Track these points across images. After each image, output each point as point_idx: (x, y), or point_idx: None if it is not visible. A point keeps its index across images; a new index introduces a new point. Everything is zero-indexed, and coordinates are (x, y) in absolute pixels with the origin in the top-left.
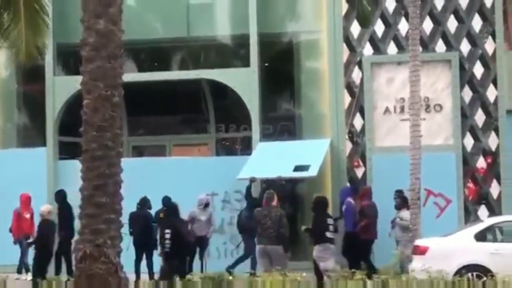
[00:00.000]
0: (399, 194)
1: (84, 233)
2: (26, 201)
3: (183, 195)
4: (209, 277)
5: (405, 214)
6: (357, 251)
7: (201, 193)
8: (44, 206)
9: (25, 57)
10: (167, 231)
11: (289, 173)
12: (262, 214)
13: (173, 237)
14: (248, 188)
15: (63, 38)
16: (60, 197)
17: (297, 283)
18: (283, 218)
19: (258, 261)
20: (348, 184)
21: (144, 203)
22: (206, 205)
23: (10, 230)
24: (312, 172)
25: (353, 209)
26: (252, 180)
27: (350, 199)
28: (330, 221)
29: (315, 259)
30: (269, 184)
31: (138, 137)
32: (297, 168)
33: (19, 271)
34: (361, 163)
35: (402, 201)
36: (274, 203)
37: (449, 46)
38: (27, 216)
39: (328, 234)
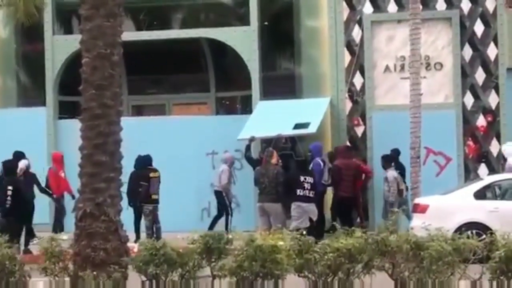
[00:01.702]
0: (383, 156)
1: (84, 191)
2: (59, 159)
3: (183, 153)
4: (209, 235)
5: (390, 174)
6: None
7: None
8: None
9: (23, 16)
10: (9, 187)
11: (289, 130)
12: (260, 172)
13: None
14: (248, 147)
15: None
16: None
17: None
18: (279, 175)
19: (258, 219)
20: (318, 143)
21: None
22: (233, 163)
23: (42, 191)
24: (312, 129)
25: (320, 169)
26: (252, 139)
27: (318, 159)
28: (306, 179)
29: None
30: (268, 143)
31: (137, 96)
32: (297, 126)
33: (55, 231)
34: (361, 122)
35: (385, 162)
36: (274, 160)
37: (449, 4)
38: (62, 174)
39: (299, 192)
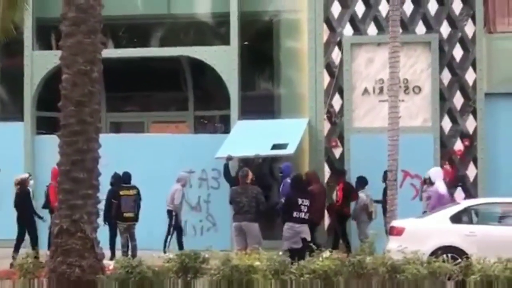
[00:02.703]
0: (358, 177)
1: (61, 208)
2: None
3: (160, 172)
4: (186, 254)
5: (361, 195)
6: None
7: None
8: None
9: (1, 32)
10: None
11: (266, 151)
12: (237, 192)
13: None
14: (226, 166)
15: (43, 12)
16: None
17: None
18: (259, 195)
19: (234, 239)
20: (288, 163)
21: (116, 179)
22: (186, 183)
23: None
24: (290, 150)
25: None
26: (229, 158)
27: (288, 179)
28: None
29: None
30: (246, 163)
31: (116, 113)
32: (275, 147)
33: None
34: (339, 143)
35: (358, 183)
36: (249, 180)
37: (429, 28)
38: None
39: (295, 214)
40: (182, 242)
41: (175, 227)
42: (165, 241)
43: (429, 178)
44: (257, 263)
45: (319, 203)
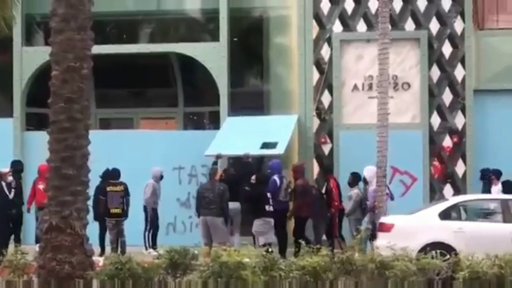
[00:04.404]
0: (352, 173)
1: (50, 204)
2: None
3: (150, 167)
4: (175, 251)
5: (356, 191)
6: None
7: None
8: None
9: None
10: None
11: (256, 150)
12: (205, 188)
13: None
14: (215, 164)
15: (32, 9)
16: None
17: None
18: (226, 192)
19: (201, 234)
20: (277, 160)
21: (107, 175)
22: (160, 177)
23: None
24: (280, 149)
25: (275, 187)
26: (219, 156)
27: (275, 177)
28: (269, 195)
29: (255, 234)
30: (235, 160)
31: (105, 109)
32: (265, 145)
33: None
34: (328, 140)
35: (353, 179)
36: (217, 177)
37: (418, 24)
38: (41, 186)
39: (267, 208)
40: (155, 237)
41: (148, 222)
42: (144, 237)
43: (364, 178)
44: (246, 259)
45: (305, 198)
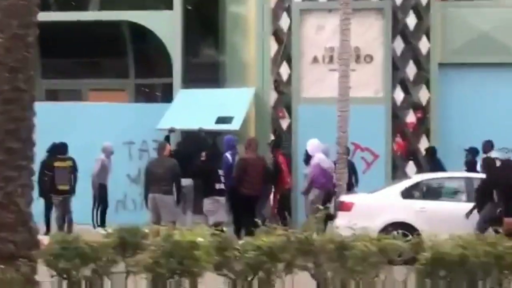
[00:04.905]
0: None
1: None
2: None
3: (99, 142)
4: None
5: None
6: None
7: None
8: None
9: None
10: None
11: (211, 125)
12: (153, 164)
13: None
14: (167, 138)
15: None
16: None
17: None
18: (176, 167)
19: (149, 213)
20: (230, 136)
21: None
22: (111, 153)
23: None
24: (235, 125)
25: (227, 164)
26: (171, 130)
27: (227, 154)
28: (220, 172)
29: (205, 213)
30: (189, 135)
31: (52, 80)
32: (220, 120)
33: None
34: (286, 114)
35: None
36: (166, 153)
37: None
38: None
39: (217, 186)
40: (104, 215)
41: (96, 199)
42: (92, 215)
43: (306, 152)
44: (199, 239)
45: (256, 175)
